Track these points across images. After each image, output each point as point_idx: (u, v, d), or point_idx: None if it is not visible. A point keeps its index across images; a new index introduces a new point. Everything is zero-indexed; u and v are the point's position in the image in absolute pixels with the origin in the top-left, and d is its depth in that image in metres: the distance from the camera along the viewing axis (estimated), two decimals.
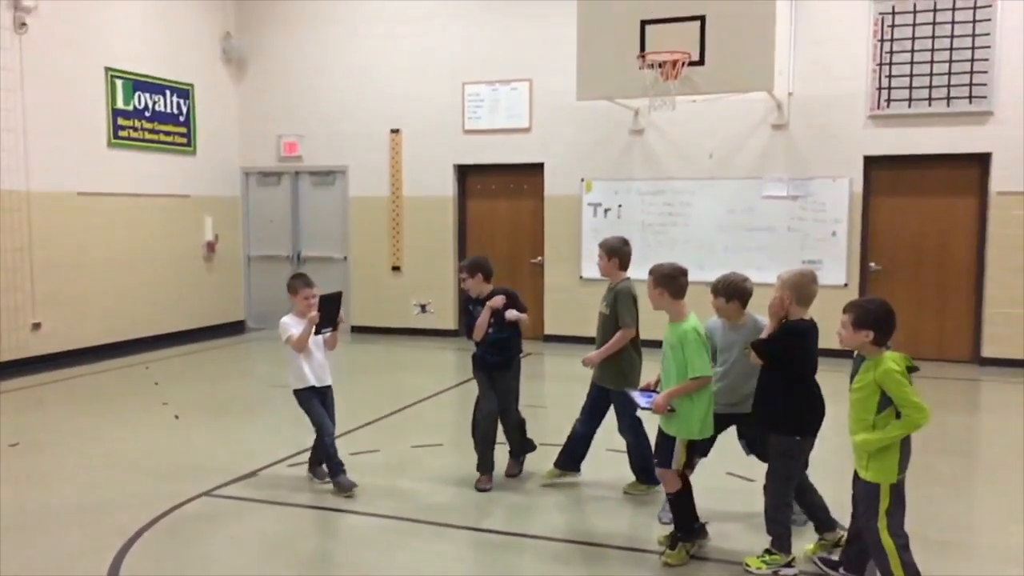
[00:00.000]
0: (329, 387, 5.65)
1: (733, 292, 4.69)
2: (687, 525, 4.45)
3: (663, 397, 4.42)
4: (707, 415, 4.38)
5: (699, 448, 4.50)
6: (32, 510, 5.23)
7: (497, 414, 5.63)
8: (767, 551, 4.28)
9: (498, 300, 5.49)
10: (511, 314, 5.46)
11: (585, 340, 10.87)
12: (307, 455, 6.00)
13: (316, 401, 5.54)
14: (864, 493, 3.77)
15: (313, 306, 5.41)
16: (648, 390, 4.73)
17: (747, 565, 4.28)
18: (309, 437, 6.74)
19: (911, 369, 3.70)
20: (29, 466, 6.14)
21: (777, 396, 4.25)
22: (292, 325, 5.53)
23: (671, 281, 4.44)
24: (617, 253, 5.47)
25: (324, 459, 5.58)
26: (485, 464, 5.63)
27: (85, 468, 6.07)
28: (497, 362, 5.62)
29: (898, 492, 3.73)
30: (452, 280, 11.95)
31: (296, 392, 5.58)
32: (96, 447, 6.62)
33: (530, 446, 5.86)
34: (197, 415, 7.65)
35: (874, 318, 3.71)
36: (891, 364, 3.66)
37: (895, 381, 3.63)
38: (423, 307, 11.97)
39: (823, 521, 4.44)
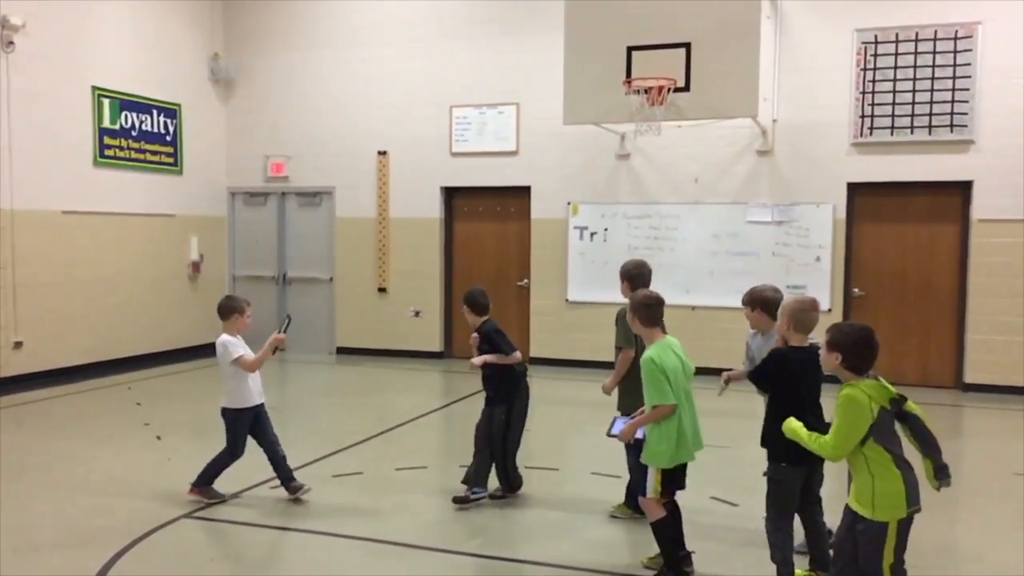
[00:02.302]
0: (263, 403, 5.77)
1: (756, 301, 4.78)
2: (670, 556, 4.42)
3: (629, 426, 4.47)
4: (678, 444, 4.34)
5: (680, 478, 4.47)
6: (11, 531, 5.16)
7: (487, 434, 5.70)
8: None
9: (472, 340, 5.72)
10: (474, 361, 5.66)
11: (571, 363, 10.96)
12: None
13: (248, 425, 5.64)
14: (871, 533, 3.55)
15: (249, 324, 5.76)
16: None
17: None
18: (291, 459, 6.70)
19: (896, 402, 3.53)
20: (8, 486, 6.05)
21: (769, 421, 4.27)
22: (239, 345, 5.59)
23: (642, 309, 4.48)
24: (627, 276, 5.48)
25: (212, 471, 5.65)
26: (467, 475, 5.73)
27: (65, 489, 6.01)
28: (488, 396, 5.80)
29: (905, 529, 3.56)
30: (438, 302, 11.95)
31: (233, 411, 5.62)
32: (77, 468, 6.55)
33: (498, 486, 5.81)
34: (179, 436, 7.58)
35: (844, 339, 3.62)
36: (853, 391, 3.53)
37: (844, 407, 3.53)
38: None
39: (819, 561, 4.40)
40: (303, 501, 5.68)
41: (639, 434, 4.48)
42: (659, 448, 4.35)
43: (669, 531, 4.42)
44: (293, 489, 5.72)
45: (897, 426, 3.61)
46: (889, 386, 3.59)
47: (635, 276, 5.44)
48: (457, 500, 5.66)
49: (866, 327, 3.67)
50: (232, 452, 5.64)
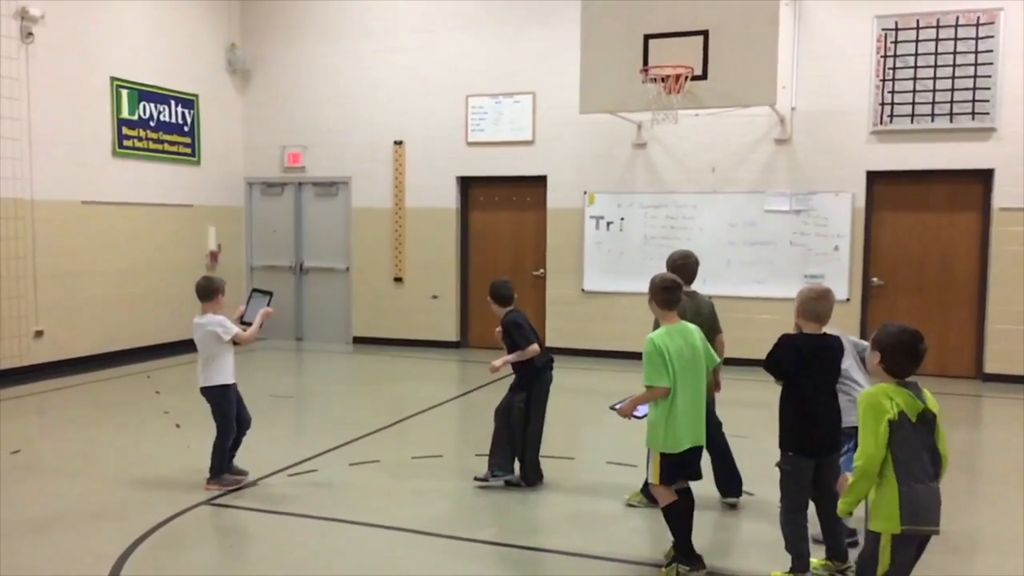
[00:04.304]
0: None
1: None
2: (680, 544, 4.40)
3: (628, 403, 4.50)
4: (674, 429, 4.30)
5: (681, 466, 4.41)
6: (32, 517, 5.22)
7: (505, 418, 5.77)
8: (790, 570, 4.25)
9: (496, 333, 5.82)
10: (494, 364, 5.73)
11: (587, 353, 10.95)
12: (307, 464, 6.00)
13: (234, 401, 5.74)
14: (867, 541, 3.43)
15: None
16: None
17: None
18: (309, 447, 6.76)
19: (924, 419, 3.35)
20: (30, 473, 6.13)
21: (780, 409, 4.26)
22: (229, 323, 5.67)
23: (659, 292, 4.48)
24: (672, 267, 5.45)
25: (219, 460, 5.70)
26: (491, 458, 5.81)
27: (85, 476, 6.06)
28: (512, 382, 5.90)
29: (901, 548, 3.35)
30: (454, 291, 11.96)
31: (219, 388, 5.69)
32: (97, 455, 6.61)
33: (496, 471, 5.83)
34: (198, 424, 7.61)
35: (887, 340, 3.44)
36: (875, 391, 3.39)
37: (862, 407, 3.38)
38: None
39: (834, 551, 4.37)
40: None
41: (638, 412, 4.48)
42: (653, 431, 4.37)
43: (680, 517, 4.41)
44: (233, 470, 5.80)
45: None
46: (919, 401, 3.38)
47: (680, 267, 5.42)
48: (478, 479, 5.80)
49: (912, 331, 3.46)
50: (226, 431, 5.71)
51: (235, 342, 5.67)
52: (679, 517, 4.40)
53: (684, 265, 5.44)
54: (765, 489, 5.41)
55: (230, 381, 5.72)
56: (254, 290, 6.05)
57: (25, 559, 4.61)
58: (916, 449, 3.37)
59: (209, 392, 5.71)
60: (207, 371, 5.69)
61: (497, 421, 5.84)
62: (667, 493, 4.39)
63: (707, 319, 5.33)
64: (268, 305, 5.85)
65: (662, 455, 4.34)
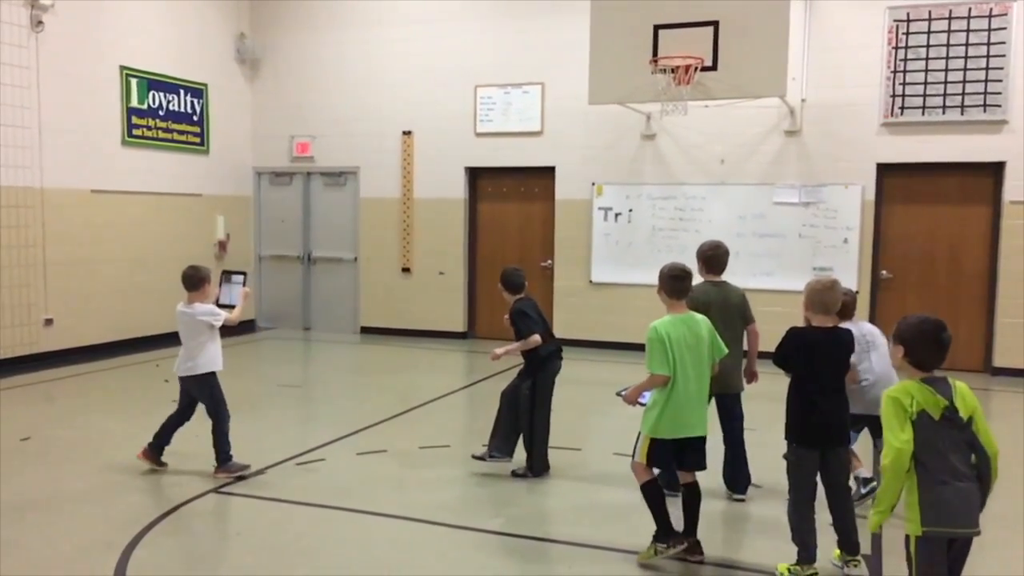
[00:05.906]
0: None
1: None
2: (658, 523, 4.41)
3: (632, 390, 4.52)
4: (667, 416, 4.31)
5: (678, 455, 4.42)
6: (41, 505, 5.26)
7: (511, 400, 5.80)
8: (796, 561, 4.25)
9: (505, 320, 5.86)
10: (496, 351, 5.75)
11: (595, 344, 10.94)
12: (315, 453, 5.99)
13: (220, 385, 5.80)
14: (906, 551, 3.31)
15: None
16: None
17: (779, 571, 4.27)
18: (316, 436, 6.77)
19: (948, 418, 3.23)
20: (39, 461, 6.17)
21: (787, 401, 4.27)
22: (217, 310, 5.73)
23: (667, 281, 4.49)
24: (702, 257, 5.47)
25: (223, 445, 5.74)
26: (491, 439, 5.86)
27: (94, 464, 6.10)
28: (520, 370, 5.92)
29: (926, 551, 3.22)
30: (462, 282, 11.96)
31: (210, 375, 5.74)
32: (105, 443, 6.65)
33: (494, 452, 5.87)
34: (205, 413, 7.64)
35: (908, 332, 3.34)
36: (896, 389, 3.29)
37: (887, 409, 3.26)
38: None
39: (845, 544, 4.36)
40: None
41: (643, 399, 4.49)
42: (647, 413, 4.40)
43: (657, 496, 4.41)
44: (159, 463, 5.86)
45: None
46: (940, 397, 3.26)
47: (710, 258, 5.42)
48: (475, 456, 5.87)
49: (934, 320, 3.35)
50: (223, 415, 5.75)
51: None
52: (656, 495, 4.42)
53: (714, 256, 5.43)
54: (773, 480, 5.42)
55: (220, 367, 5.78)
56: (225, 272, 6.12)
57: (34, 545, 4.65)
58: (940, 448, 3.23)
59: (201, 380, 5.74)
60: (197, 359, 5.72)
61: (502, 404, 5.87)
62: (644, 472, 4.43)
63: (736, 308, 5.33)
64: (244, 285, 5.94)
65: (651, 439, 4.37)
